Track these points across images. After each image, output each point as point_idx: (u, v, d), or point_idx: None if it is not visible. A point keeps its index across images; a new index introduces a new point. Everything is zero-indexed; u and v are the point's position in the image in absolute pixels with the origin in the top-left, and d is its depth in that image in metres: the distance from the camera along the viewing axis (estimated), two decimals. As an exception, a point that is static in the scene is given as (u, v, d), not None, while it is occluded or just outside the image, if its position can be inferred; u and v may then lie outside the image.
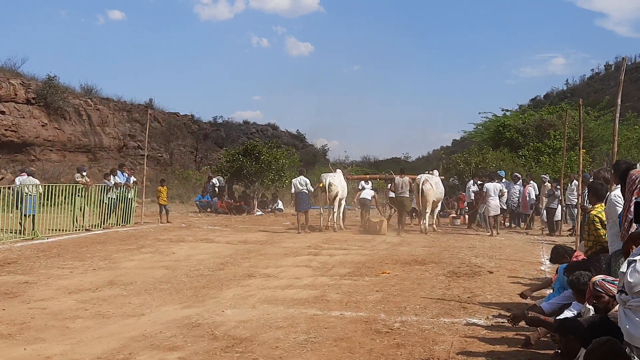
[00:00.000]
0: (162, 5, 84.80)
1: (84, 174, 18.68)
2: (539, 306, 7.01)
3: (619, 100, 10.52)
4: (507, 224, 23.37)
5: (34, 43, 68.04)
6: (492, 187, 20.58)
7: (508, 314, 7.98)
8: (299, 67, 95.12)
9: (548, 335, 6.58)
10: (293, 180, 20.93)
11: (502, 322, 7.98)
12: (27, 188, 16.39)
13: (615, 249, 6.57)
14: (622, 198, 6.32)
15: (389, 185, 23.19)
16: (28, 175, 17.00)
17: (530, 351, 6.72)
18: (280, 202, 29.39)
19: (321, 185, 20.53)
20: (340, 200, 21.04)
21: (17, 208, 16.52)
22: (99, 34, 77.36)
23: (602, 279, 5.22)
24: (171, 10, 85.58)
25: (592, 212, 7.49)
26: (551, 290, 8.32)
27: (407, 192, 20.29)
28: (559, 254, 8.14)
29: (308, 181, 20.77)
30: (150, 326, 7.48)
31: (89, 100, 39.17)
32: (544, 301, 7.34)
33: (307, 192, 20.39)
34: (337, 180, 20.89)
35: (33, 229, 16.25)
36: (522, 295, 8.69)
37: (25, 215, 16.45)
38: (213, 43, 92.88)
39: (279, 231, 20.31)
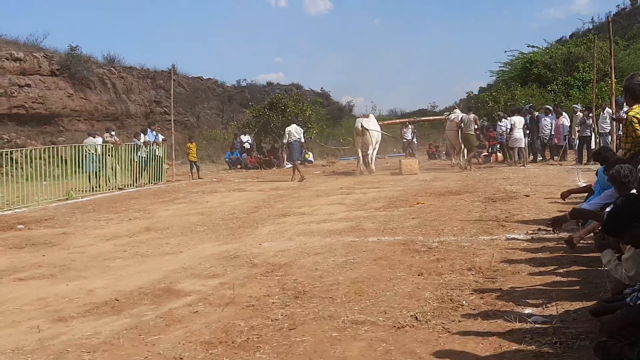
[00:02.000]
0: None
1: (113, 133, 18.75)
2: (580, 207, 6.84)
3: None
4: (540, 157, 22.98)
5: (53, 18, 68.06)
6: (518, 120, 20.69)
7: (548, 228, 7.87)
8: (319, 25, 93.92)
9: (591, 237, 6.43)
10: (287, 128, 20.68)
11: (543, 236, 7.86)
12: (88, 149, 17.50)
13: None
14: None
15: (446, 122, 22.89)
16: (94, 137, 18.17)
17: (574, 255, 6.60)
18: (310, 154, 29.30)
19: (358, 129, 20.42)
20: (375, 144, 21.00)
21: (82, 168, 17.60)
22: (118, 4, 77.07)
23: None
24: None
25: (630, 112, 7.25)
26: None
27: (473, 129, 20.32)
28: (600, 156, 7.89)
29: (302, 131, 20.77)
30: (189, 260, 7.50)
31: (112, 69, 39.20)
32: (585, 203, 7.17)
33: (299, 142, 20.28)
34: (371, 125, 20.89)
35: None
36: (562, 195, 8.52)
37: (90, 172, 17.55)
38: (231, 7, 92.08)
39: (310, 178, 20.26)
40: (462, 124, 20.40)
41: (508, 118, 22.15)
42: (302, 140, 20.68)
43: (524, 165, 19.90)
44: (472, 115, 20.65)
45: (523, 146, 20.80)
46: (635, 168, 6.80)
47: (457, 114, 21.14)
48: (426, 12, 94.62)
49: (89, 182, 17.57)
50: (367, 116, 22.01)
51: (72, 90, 33.97)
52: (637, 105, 7.39)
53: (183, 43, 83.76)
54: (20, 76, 30.59)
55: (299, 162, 20.60)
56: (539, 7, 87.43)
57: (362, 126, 20.23)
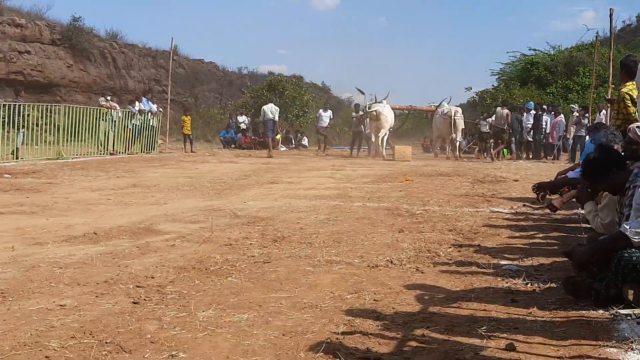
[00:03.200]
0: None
1: (109, 98, 18.67)
2: (565, 175, 6.85)
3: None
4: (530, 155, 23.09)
5: (58, -7, 67.77)
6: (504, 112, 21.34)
7: (534, 205, 7.89)
8: (325, 20, 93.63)
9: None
10: (264, 107, 21.21)
11: (527, 212, 7.87)
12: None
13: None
14: None
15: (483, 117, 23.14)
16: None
17: (555, 224, 6.62)
18: (305, 139, 29.26)
19: (373, 114, 20.47)
20: (388, 129, 21.30)
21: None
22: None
23: (636, 126, 5.04)
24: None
25: (622, 89, 7.26)
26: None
27: (505, 124, 20.69)
28: (594, 128, 7.85)
29: (277, 110, 21.22)
30: (172, 210, 7.47)
31: (114, 43, 39.02)
32: (570, 172, 7.17)
33: (273, 120, 20.85)
34: (386, 110, 21.07)
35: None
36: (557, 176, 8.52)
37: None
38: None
39: (303, 157, 20.28)
40: (497, 119, 20.70)
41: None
42: (276, 119, 21.21)
43: (493, 160, 20.51)
44: (505, 111, 21.08)
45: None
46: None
47: (449, 107, 21.49)
48: (431, 16, 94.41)
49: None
50: (381, 102, 22.13)
51: (71, 60, 33.80)
52: (630, 82, 7.40)
53: (187, 25, 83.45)
54: (21, 42, 30.41)
55: (270, 138, 21.32)
56: (544, 17, 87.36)
57: (377, 111, 20.34)
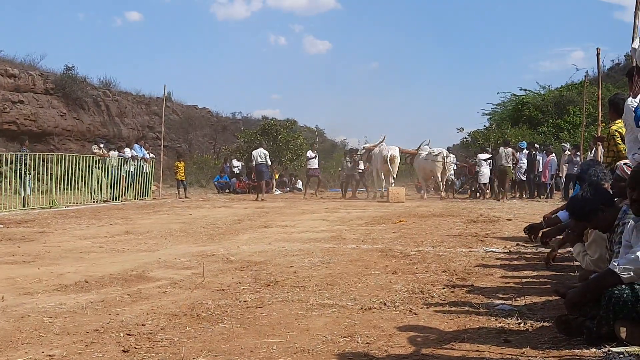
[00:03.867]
0: (179, 6, 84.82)
1: (102, 146, 18.71)
2: (556, 216, 6.86)
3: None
4: (525, 195, 23.16)
5: (51, 43, 68.26)
6: (484, 157, 22.29)
7: (527, 244, 7.90)
8: (317, 65, 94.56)
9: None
10: (253, 152, 21.55)
11: (520, 250, 7.86)
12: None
13: (633, 155, 6.41)
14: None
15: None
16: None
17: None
18: (300, 182, 29.32)
19: (386, 157, 20.87)
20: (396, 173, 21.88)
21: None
22: (117, 34, 77.54)
23: (624, 163, 5.09)
24: (188, 10, 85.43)
25: (612, 127, 7.34)
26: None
27: (511, 163, 20.98)
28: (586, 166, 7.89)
29: (267, 154, 21.57)
30: (165, 257, 7.44)
31: (107, 91, 39.25)
32: (560, 212, 7.18)
33: (266, 164, 21.19)
34: (398, 152, 21.69)
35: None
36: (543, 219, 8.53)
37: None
38: (230, 42, 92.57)
39: (297, 200, 20.30)
40: (501, 158, 21.02)
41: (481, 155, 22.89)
42: (268, 162, 21.52)
43: (486, 198, 21.19)
44: (509, 150, 21.34)
45: (486, 182, 22.30)
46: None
47: (439, 149, 22.41)
48: (424, 60, 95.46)
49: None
50: (418, 147, 22.63)
51: (65, 109, 33.93)
52: (619, 120, 7.47)
53: (180, 72, 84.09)
54: (14, 92, 30.54)
55: (262, 182, 21.65)
56: (534, 59, 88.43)
57: (392, 155, 20.98)
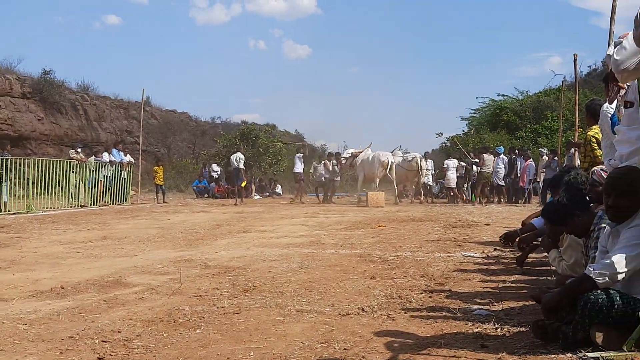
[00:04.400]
0: (158, 10, 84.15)
1: (79, 150, 18.55)
2: (530, 223, 6.92)
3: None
4: (503, 199, 23.33)
5: (29, 47, 67.48)
6: (451, 163, 22.90)
7: (504, 248, 7.94)
8: (297, 69, 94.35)
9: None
10: (231, 156, 22.23)
11: (498, 255, 7.90)
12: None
13: (609, 161, 6.47)
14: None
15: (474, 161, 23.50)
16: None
17: (526, 267, 6.65)
18: (279, 186, 29.28)
19: (385, 162, 21.09)
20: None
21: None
22: (95, 38, 76.79)
23: (600, 169, 5.13)
24: (167, 15, 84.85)
25: (588, 132, 7.41)
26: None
27: (491, 168, 21.89)
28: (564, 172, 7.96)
29: (241, 159, 22.13)
30: (142, 262, 7.39)
31: (85, 95, 38.93)
32: (536, 219, 7.24)
33: (238, 168, 21.81)
34: (395, 160, 22.05)
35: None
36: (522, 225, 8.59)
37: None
38: (209, 46, 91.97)
39: (277, 205, 20.25)
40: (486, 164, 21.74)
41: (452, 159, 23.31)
42: (240, 167, 22.03)
43: (458, 203, 21.71)
44: (491, 156, 22.18)
45: (453, 186, 22.85)
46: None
47: (407, 155, 23.18)
48: (403, 65, 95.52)
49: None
50: (392, 151, 22.83)
51: (42, 113, 33.62)
52: (596, 126, 7.54)
53: (159, 76, 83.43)
54: (-10, 96, 30.31)
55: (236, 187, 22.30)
56: (512, 64, 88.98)
57: (390, 161, 21.24)
